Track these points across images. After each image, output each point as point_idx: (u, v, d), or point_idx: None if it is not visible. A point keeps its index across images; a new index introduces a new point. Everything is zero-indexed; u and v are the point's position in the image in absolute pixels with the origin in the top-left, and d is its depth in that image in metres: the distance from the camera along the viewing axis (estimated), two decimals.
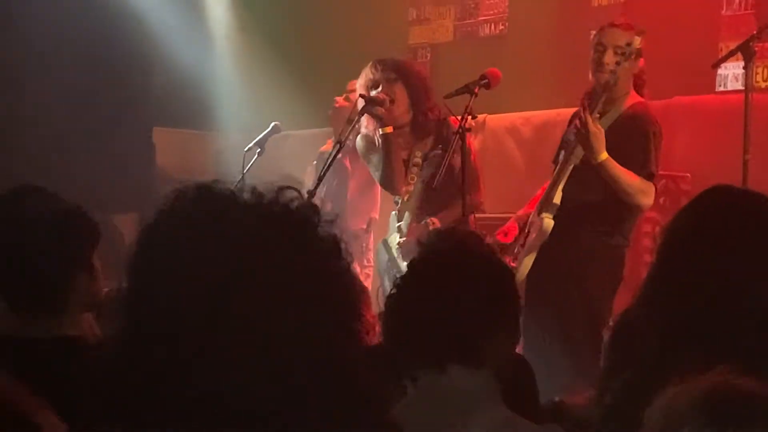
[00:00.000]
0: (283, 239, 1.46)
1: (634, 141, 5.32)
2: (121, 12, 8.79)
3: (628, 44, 5.30)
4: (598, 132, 5.18)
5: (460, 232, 4.55)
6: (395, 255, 6.09)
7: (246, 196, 1.49)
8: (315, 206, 1.52)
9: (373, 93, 5.93)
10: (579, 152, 5.35)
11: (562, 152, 5.58)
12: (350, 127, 5.88)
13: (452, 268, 2.72)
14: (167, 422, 1.37)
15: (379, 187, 6.61)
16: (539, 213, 5.46)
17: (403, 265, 5.94)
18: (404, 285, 2.77)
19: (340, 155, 6.03)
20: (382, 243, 6.31)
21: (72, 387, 2.54)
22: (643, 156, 5.32)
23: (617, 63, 5.28)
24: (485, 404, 2.64)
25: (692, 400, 1.90)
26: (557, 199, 5.41)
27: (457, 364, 2.64)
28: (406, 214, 5.99)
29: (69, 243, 2.83)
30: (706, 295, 2.35)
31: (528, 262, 5.43)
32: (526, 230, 5.54)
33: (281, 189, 1.50)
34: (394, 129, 5.95)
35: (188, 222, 1.46)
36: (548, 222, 5.39)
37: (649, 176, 5.35)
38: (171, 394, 1.38)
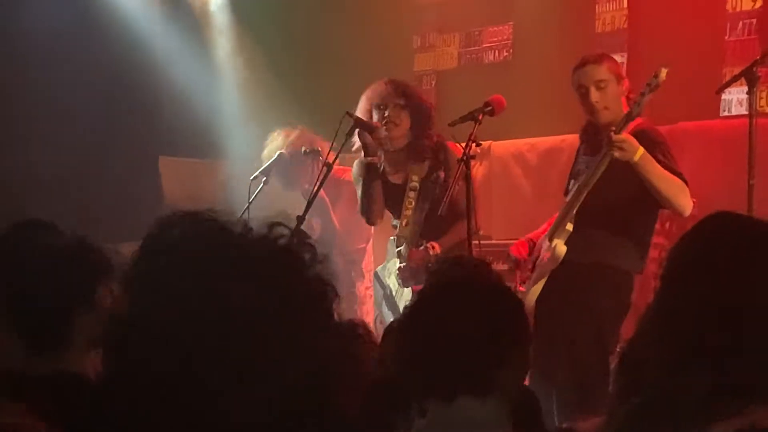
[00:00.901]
0: (269, 279, 1.44)
1: (655, 154, 5.25)
2: (129, 43, 8.84)
3: (609, 72, 5.38)
4: (625, 136, 5.16)
5: (469, 260, 4.56)
6: (393, 282, 6.09)
7: (236, 229, 1.47)
8: (306, 244, 1.49)
9: (375, 113, 5.95)
10: (593, 179, 5.34)
11: (572, 181, 5.58)
12: (339, 150, 5.88)
13: (463, 299, 2.71)
14: None
15: None
16: (550, 238, 5.45)
17: (403, 291, 5.96)
18: (413, 314, 2.75)
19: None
20: (375, 275, 6.31)
21: (74, 423, 2.55)
22: (667, 161, 5.28)
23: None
24: None
25: None
26: (570, 226, 5.40)
27: (467, 395, 2.62)
28: (406, 239, 6.00)
29: (74, 279, 2.83)
30: (711, 324, 2.34)
31: (537, 288, 5.43)
32: (536, 254, 5.54)
33: (273, 225, 1.48)
34: (390, 152, 5.98)
35: (174, 254, 1.45)
36: (561, 248, 5.38)
37: (681, 177, 5.28)
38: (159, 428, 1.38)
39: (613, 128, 5.21)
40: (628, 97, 5.47)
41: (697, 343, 2.31)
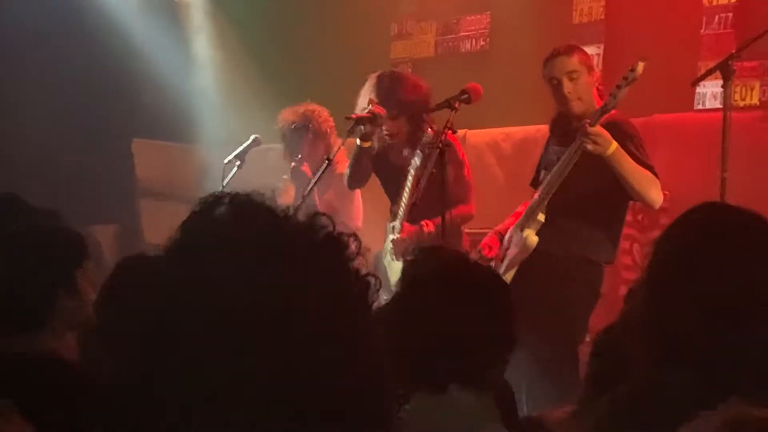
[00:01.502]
0: (320, 270, 1.35)
1: (626, 147, 5.31)
2: (107, 27, 8.80)
3: (581, 64, 5.42)
4: (599, 130, 5.19)
5: (446, 250, 4.56)
6: (388, 260, 6.12)
7: (287, 218, 1.36)
8: (349, 235, 1.41)
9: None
10: (564, 169, 5.37)
11: (543, 172, 5.59)
12: (339, 145, 5.98)
13: (452, 287, 2.69)
14: None
15: (359, 197, 6.70)
16: (522, 229, 5.46)
17: (394, 264, 5.99)
18: (403, 301, 2.72)
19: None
20: (375, 257, 6.32)
21: (49, 404, 2.55)
22: (639, 154, 5.33)
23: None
24: (484, 424, 2.62)
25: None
26: (541, 216, 5.41)
27: (457, 385, 2.61)
28: (400, 213, 6.02)
29: (52, 261, 2.82)
30: (701, 316, 2.35)
31: (507, 277, 5.44)
32: (506, 245, 5.56)
33: (315, 215, 1.39)
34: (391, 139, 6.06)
35: (223, 238, 1.34)
36: (532, 238, 5.40)
37: (652, 171, 5.34)
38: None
39: (588, 120, 5.23)
40: (598, 89, 5.50)
41: (687, 338, 2.32)
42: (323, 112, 7.08)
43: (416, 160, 5.91)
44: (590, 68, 5.49)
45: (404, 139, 6.04)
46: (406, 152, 6.05)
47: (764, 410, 1.93)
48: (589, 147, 5.17)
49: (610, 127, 5.34)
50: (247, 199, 1.38)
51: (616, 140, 5.26)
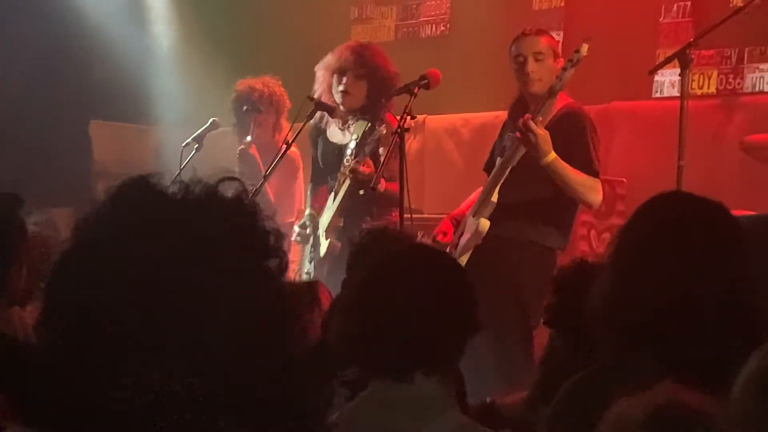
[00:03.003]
0: (221, 232, 1.42)
1: (574, 141, 5.37)
2: (63, 5, 8.71)
3: (548, 47, 5.48)
4: (544, 134, 5.22)
5: (396, 232, 4.55)
6: (321, 234, 6.16)
7: (181, 188, 1.47)
8: (253, 200, 1.48)
9: (335, 80, 6.01)
10: (517, 155, 5.39)
11: (498, 158, 5.61)
12: (298, 131, 5.97)
13: (418, 276, 2.66)
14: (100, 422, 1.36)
15: (301, 180, 6.72)
16: (474, 214, 5.48)
17: (321, 242, 6.04)
18: (365, 290, 2.69)
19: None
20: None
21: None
22: (586, 155, 5.37)
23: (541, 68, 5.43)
24: (441, 409, 2.61)
25: (638, 416, 1.93)
26: (494, 198, 5.43)
27: (422, 374, 2.58)
28: (340, 194, 6.03)
29: (8, 238, 2.79)
30: (664, 301, 2.36)
31: (461, 262, 5.45)
32: (460, 231, 5.57)
33: (223, 180, 1.48)
34: (344, 112, 6.08)
35: (124, 218, 1.43)
36: (484, 223, 5.42)
37: (595, 174, 5.41)
38: (101, 394, 1.36)
39: (530, 115, 5.24)
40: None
41: (650, 324, 2.34)
42: (277, 90, 7.07)
43: (354, 136, 5.96)
44: (556, 54, 5.55)
45: (357, 105, 6.02)
46: (345, 131, 6.08)
47: (695, 395, 1.95)
48: (524, 146, 5.22)
49: (566, 118, 5.37)
50: (139, 182, 1.46)
51: (570, 136, 5.32)
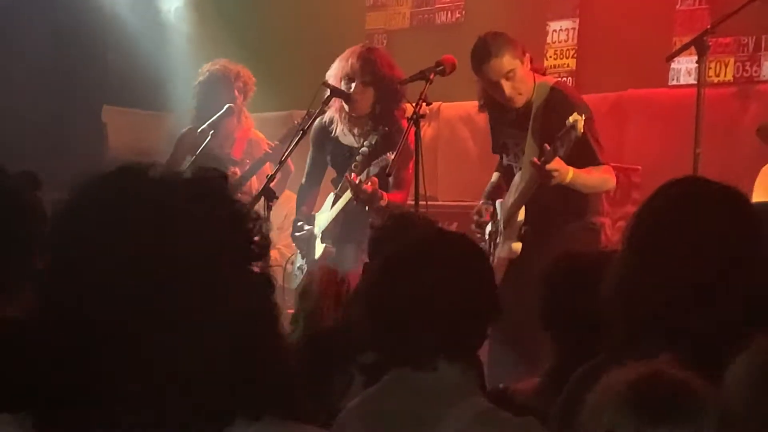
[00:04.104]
0: (200, 210, 1.46)
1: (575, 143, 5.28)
2: None
3: (511, 60, 5.34)
4: (558, 165, 5.11)
5: (417, 217, 4.54)
6: (318, 232, 6.15)
7: (162, 172, 1.52)
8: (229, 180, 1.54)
9: (343, 84, 5.99)
10: (524, 197, 5.39)
11: (505, 156, 5.59)
12: (314, 116, 5.92)
13: (443, 264, 2.64)
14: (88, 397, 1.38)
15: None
16: (504, 239, 5.46)
17: (317, 245, 6.02)
18: (387, 279, 2.66)
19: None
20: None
21: None
22: (589, 150, 5.32)
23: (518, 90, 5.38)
24: (466, 395, 2.59)
25: (621, 383, 1.94)
26: (521, 217, 5.41)
27: (446, 361, 2.57)
28: (341, 201, 6.03)
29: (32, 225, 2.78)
30: (679, 284, 2.36)
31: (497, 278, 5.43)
32: (489, 250, 5.49)
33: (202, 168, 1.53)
34: (353, 116, 6.03)
35: (103, 199, 1.49)
36: (516, 246, 5.41)
37: (602, 164, 5.39)
38: (85, 371, 1.38)
39: (543, 158, 5.12)
40: (534, 69, 5.47)
41: (663, 310, 2.33)
42: (249, 82, 7.06)
43: (366, 144, 5.95)
44: (522, 57, 5.42)
45: (365, 112, 6.02)
46: (356, 131, 6.05)
47: (682, 372, 1.96)
48: (552, 183, 5.16)
49: (559, 104, 5.30)
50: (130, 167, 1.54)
51: (560, 114, 5.19)
